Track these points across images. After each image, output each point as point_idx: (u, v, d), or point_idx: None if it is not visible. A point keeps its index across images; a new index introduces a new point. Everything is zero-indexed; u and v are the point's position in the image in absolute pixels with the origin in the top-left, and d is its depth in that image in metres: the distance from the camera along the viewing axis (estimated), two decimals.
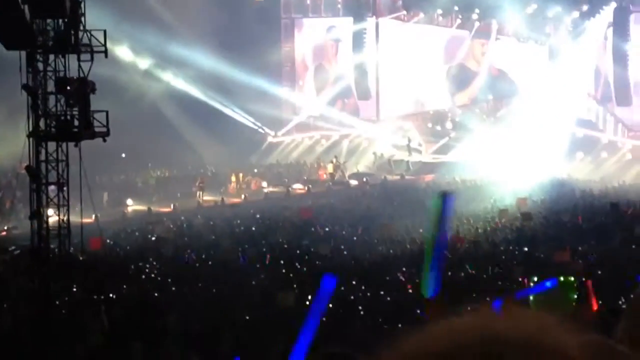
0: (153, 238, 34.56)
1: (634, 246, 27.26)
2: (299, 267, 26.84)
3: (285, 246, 31.30)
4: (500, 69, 58.74)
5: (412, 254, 29.42)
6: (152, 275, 26.30)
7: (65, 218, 23.23)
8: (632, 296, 2.53)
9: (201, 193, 48.94)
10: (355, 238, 33.45)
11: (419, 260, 27.91)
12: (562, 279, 9.39)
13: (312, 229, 36.03)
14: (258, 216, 40.74)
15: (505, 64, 58.68)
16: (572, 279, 9.46)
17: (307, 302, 21.93)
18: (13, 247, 29.07)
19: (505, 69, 58.67)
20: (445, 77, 59.13)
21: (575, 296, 9.10)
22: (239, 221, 39.56)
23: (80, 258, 25.85)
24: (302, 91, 62.87)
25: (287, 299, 19.66)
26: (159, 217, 42.11)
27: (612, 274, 21.11)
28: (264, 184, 53.25)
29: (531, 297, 8.38)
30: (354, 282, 24.56)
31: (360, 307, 21.08)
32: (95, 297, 21.48)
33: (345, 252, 30.57)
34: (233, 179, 53.53)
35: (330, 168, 55.86)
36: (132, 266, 27.71)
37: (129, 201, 46.38)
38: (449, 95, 59.16)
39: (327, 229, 35.61)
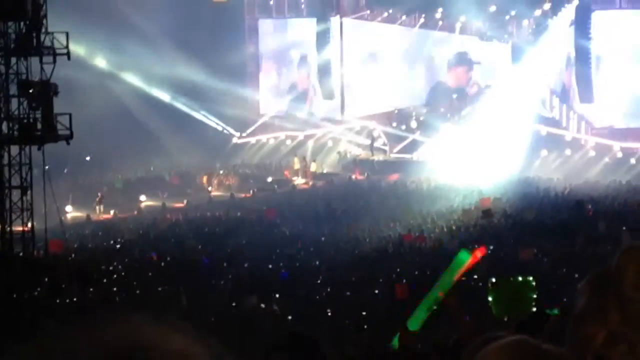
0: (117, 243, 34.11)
1: (596, 244, 27.42)
2: (263, 268, 26.82)
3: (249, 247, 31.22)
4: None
5: (377, 254, 29.53)
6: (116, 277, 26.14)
7: (29, 222, 23.10)
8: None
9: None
10: (323, 239, 33.36)
11: (382, 260, 28.01)
12: (520, 278, 9.41)
13: (276, 230, 35.92)
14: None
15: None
16: (531, 278, 9.45)
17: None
18: None
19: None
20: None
21: (535, 296, 9.08)
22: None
23: (43, 261, 25.68)
24: (265, 92, 62.74)
25: (250, 302, 19.68)
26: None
27: (575, 272, 21.23)
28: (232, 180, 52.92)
29: (490, 298, 8.43)
30: (318, 282, 24.61)
31: (327, 309, 21.09)
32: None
33: (311, 251, 30.58)
34: (204, 180, 52.77)
35: (297, 164, 55.39)
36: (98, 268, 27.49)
37: (68, 207, 44.13)
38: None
39: (287, 232, 35.39)
